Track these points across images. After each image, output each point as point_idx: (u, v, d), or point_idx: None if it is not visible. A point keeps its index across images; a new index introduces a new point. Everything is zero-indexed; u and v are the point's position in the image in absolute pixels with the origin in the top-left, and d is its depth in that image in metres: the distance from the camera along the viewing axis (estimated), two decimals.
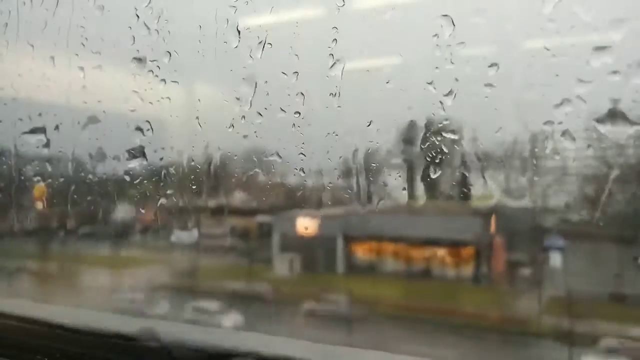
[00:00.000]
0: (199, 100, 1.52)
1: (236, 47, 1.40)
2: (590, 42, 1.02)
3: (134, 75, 1.57)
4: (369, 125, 1.31)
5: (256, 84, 1.40)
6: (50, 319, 1.48)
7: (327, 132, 1.35)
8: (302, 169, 1.43)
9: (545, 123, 1.14)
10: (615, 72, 1.01)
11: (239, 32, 1.40)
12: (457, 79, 1.19)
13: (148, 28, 1.52)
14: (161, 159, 1.59)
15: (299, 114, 1.37)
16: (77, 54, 1.66)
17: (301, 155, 1.40)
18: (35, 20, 1.74)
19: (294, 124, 1.38)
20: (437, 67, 1.20)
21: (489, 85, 1.17)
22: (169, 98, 1.54)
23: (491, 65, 1.17)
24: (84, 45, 1.65)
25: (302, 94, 1.36)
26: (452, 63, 1.19)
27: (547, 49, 1.08)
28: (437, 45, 1.21)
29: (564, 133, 1.14)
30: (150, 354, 1.28)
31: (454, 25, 1.17)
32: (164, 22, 1.51)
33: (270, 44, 1.36)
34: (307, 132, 1.37)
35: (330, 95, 1.34)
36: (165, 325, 1.57)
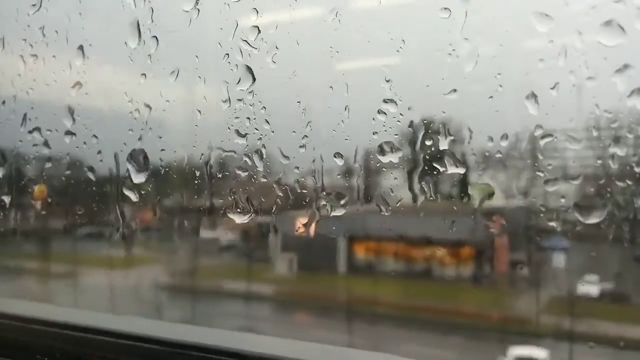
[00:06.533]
0: (198, 100, 1.53)
1: (235, 46, 1.40)
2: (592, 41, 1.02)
3: (133, 75, 1.57)
4: (370, 125, 1.31)
5: (255, 81, 1.40)
6: (50, 319, 1.48)
7: (327, 132, 1.35)
8: (302, 169, 1.43)
9: (546, 122, 1.14)
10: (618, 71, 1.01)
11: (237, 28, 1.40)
12: (457, 79, 1.19)
13: (151, 25, 1.52)
14: (161, 159, 1.59)
15: (299, 113, 1.37)
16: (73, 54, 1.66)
17: (301, 155, 1.40)
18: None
19: (293, 124, 1.39)
20: (437, 67, 1.20)
21: (490, 84, 1.17)
22: (167, 99, 1.54)
23: (493, 64, 1.17)
24: (83, 44, 1.66)
25: (301, 93, 1.36)
26: (453, 62, 1.19)
27: (548, 48, 1.08)
28: (437, 44, 1.21)
29: (564, 132, 1.13)
30: (151, 354, 1.28)
31: (454, 23, 1.17)
32: (161, 22, 1.51)
33: (269, 42, 1.36)
34: (306, 132, 1.37)
35: (330, 94, 1.34)
36: (166, 325, 1.57)
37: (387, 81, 1.27)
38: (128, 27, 1.55)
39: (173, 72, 1.51)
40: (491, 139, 1.22)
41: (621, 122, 1.10)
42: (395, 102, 1.28)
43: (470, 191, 1.31)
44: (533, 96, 1.13)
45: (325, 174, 1.42)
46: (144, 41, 1.53)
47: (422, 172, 1.33)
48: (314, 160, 1.40)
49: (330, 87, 1.33)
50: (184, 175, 1.63)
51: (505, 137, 1.20)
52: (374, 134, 1.31)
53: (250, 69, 1.39)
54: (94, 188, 1.74)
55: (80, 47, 1.66)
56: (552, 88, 1.10)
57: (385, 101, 1.28)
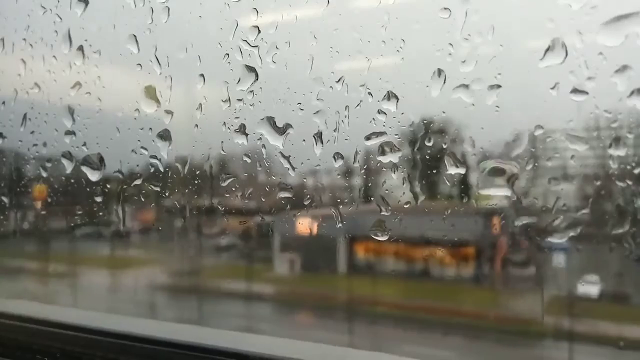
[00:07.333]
0: (198, 100, 1.53)
1: (234, 46, 1.40)
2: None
3: (133, 75, 1.57)
4: (370, 125, 1.31)
5: (258, 78, 1.40)
6: (50, 319, 1.48)
7: (327, 131, 1.35)
8: (302, 169, 1.43)
9: (545, 122, 1.14)
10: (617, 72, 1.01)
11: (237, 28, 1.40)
12: (458, 79, 1.19)
13: (150, 22, 1.53)
14: (160, 159, 1.59)
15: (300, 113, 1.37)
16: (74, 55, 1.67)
17: (301, 156, 1.40)
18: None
19: (293, 124, 1.39)
20: (437, 67, 1.20)
21: (490, 84, 1.17)
22: (167, 99, 1.54)
23: (493, 64, 1.17)
24: (83, 45, 1.66)
25: (301, 93, 1.36)
26: (453, 62, 1.19)
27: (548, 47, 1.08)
28: (437, 44, 1.21)
29: (564, 132, 1.13)
30: (151, 354, 1.28)
31: (454, 23, 1.17)
32: (161, 21, 1.51)
33: (269, 42, 1.36)
34: (307, 132, 1.37)
35: (330, 94, 1.34)
36: (166, 325, 1.57)
37: (387, 81, 1.27)
38: (128, 27, 1.55)
39: (173, 72, 1.52)
40: (491, 139, 1.22)
41: (621, 122, 1.10)
42: (395, 102, 1.28)
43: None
44: (533, 96, 1.13)
45: (326, 174, 1.42)
46: (144, 41, 1.53)
47: (422, 172, 1.33)
48: (315, 165, 1.40)
49: (330, 87, 1.33)
50: (183, 175, 1.63)
51: (505, 137, 1.20)
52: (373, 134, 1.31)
53: (253, 68, 1.39)
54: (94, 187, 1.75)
55: (80, 48, 1.66)
56: (552, 88, 1.10)
57: (385, 101, 1.28)
